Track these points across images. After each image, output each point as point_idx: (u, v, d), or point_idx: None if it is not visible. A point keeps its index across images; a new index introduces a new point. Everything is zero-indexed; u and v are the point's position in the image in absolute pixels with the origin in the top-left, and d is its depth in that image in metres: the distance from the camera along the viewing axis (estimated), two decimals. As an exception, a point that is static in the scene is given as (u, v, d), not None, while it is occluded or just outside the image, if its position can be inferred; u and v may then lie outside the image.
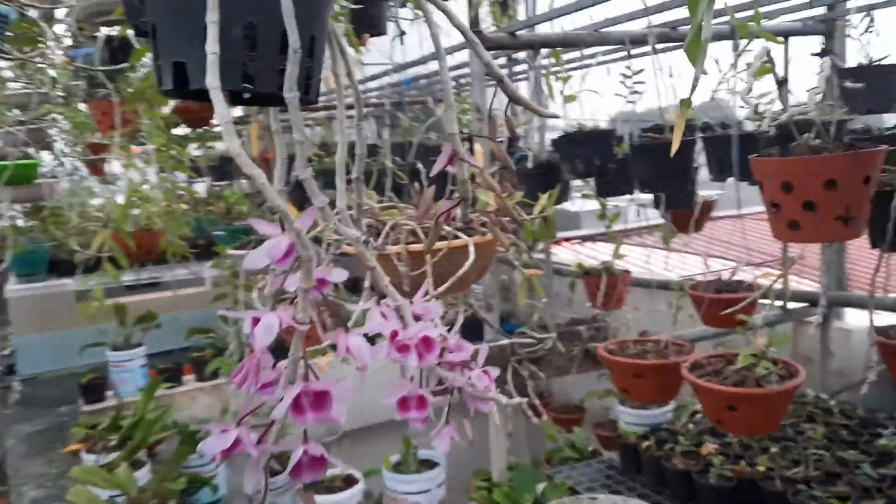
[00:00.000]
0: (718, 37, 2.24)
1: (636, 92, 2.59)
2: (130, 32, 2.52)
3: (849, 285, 3.19)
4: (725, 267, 2.93)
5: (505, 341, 1.44)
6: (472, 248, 1.15)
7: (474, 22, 2.47)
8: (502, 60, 3.83)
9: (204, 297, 4.15)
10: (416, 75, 3.85)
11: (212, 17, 0.63)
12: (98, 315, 3.47)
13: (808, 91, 1.71)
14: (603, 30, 2.62)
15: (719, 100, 2.07)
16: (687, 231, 3.02)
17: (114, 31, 2.62)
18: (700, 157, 2.70)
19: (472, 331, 2.43)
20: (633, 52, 2.61)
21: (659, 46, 2.35)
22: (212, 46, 0.63)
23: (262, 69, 0.75)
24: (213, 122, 4.14)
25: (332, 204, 0.79)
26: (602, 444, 3.63)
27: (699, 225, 3.12)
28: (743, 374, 1.90)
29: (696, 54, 0.71)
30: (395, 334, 0.77)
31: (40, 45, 2.46)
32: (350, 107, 1.09)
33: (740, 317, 2.18)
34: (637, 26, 2.54)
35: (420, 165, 3.03)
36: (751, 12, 1.68)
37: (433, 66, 3.92)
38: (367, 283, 0.89)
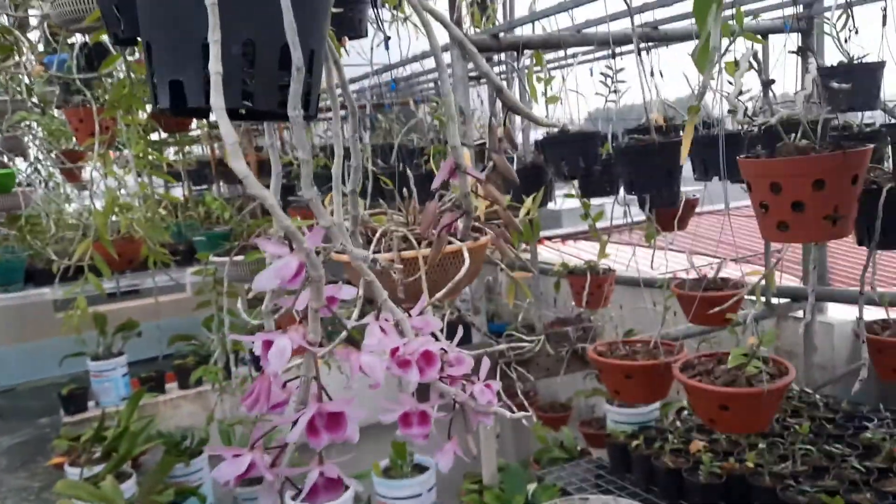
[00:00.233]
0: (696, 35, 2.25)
1: (616, 91, 2.59)
2: (105, 38, 2.48)
3: (830, 280, 3.22)
4: (709, 263, 2.94)
5: (496, 347, 1.43)
6: (466, 254, 1.14)
7: (457, 24, 2.46)
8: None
9: (185, 303, 4.10)
10: (397, 77, 3.83)
11: (214, 37, 0.62)
12: (78, 324, 3.41)
13: (796, 93, 1.72)
14: (585, 31, 2.63)
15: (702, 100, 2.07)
16: (671, 229, 3.04)
17: (89, 37, 2.57)
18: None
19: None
20: (615, 50, 2.61)
21: (641, 45, 2.36)
22: (215, 66, 0.61)
23: (261, 86, 0.73)
24: (191, 126, 4.09)
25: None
26: (588, 441, 3.65)
27: (683, 223, 3.14)
28: (734, 373, 1.91)
29: (704, 62, 0.71)
30: (395, 350, 0.76)
31: (14, 54, 2.42)
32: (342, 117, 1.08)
33: (727, 315, 2.19)
34: (618, 26, 2.54)
35: (405, 169, 3.01)
36: (731, 11, 1.69)
37: (413, 67, 3.92)
38: (360, 292, 0.87)
